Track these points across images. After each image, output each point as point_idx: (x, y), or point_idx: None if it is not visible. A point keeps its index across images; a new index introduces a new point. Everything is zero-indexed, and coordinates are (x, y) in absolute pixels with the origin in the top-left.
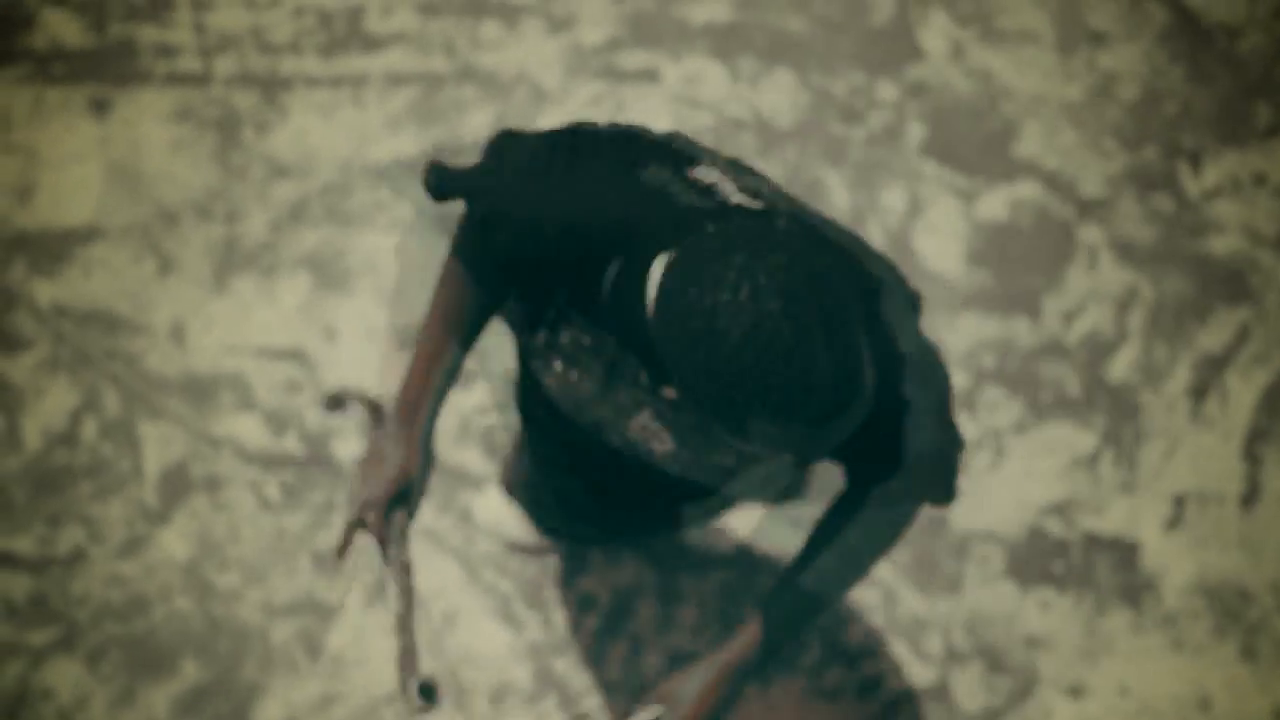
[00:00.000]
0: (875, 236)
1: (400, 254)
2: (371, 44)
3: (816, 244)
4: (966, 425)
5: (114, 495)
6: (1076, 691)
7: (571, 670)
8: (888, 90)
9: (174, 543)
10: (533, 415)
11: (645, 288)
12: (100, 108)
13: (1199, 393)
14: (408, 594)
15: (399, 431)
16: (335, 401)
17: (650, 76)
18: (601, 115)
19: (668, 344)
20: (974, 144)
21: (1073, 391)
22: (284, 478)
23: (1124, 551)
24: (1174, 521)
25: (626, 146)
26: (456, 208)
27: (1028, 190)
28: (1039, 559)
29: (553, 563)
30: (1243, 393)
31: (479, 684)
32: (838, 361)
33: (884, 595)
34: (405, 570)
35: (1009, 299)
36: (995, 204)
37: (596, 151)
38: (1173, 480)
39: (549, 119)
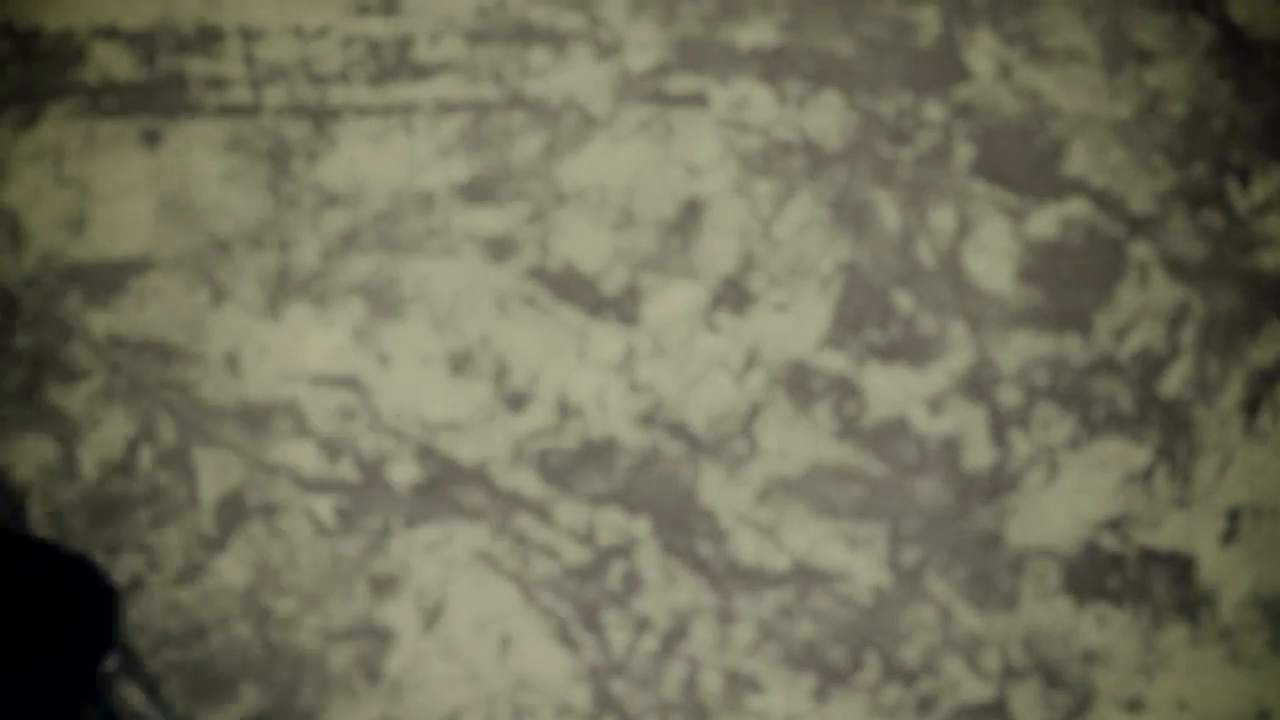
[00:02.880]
0: (925, 256)
1: (452, 279)
2: (420, 72)
3: None
4: (1020, 442)
5: (171, 523)
6: (1134, 706)
7: (630, 692)
8: (935, 111)
9: (231, 569)
10: None
11: None
12: (152, 140)
13: (1252, 407)
14: None
15: None
16: None
17: (698, 100)
18: (650, 139)
19: None
20: (1023, 163)
21: (1125, 407)
22: (339, 503)
23: (1180, 566)
24: (1229, 535)
25: None
26: None
27: (1077, 208)
28: (1095, 574)
29: (610, 585)
30: None
31: (538, 707)
32: None
33: (940, 613)
34: None
35: (1060, 316)
36: (1045, 222)
37: None
38: (1227, 494)
39: (598, 144)
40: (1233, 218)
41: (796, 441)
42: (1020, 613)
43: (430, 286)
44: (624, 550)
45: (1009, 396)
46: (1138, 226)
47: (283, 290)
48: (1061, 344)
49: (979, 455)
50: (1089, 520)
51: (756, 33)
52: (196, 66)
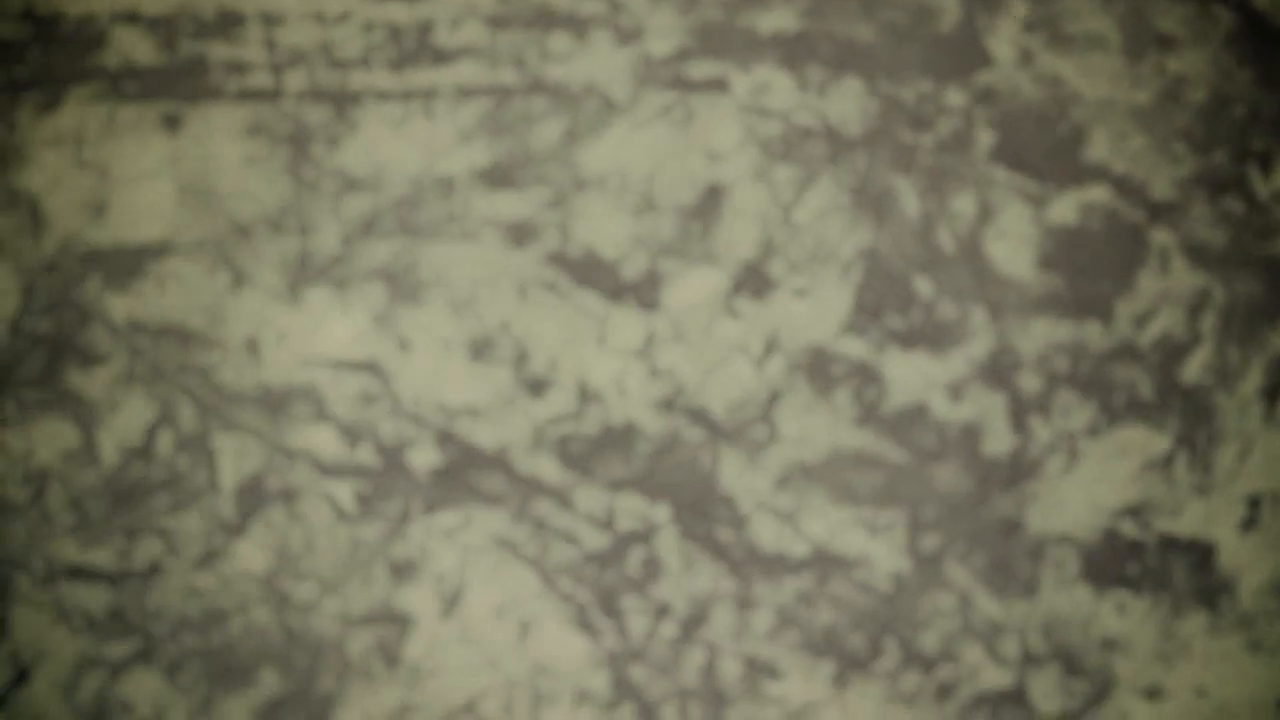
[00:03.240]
0: (946, 243)
1: (472, 264)
2: (441, 57)
3: None
4: (1040, 429)
5: (190, 508)
6: (1153, 694)
7: (648, 678)
8: (956, 97)
9: (250, 554)
10: None
11: None
12: (172, 124)
13: (1272, 394)
14: None
15: None
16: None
17: (719, 86)
18: (671, 125)
19: None
20: (1043, 149)
21: (1146, 394)
22: (359, 488)
23: (1200, 553)
24: (1249, 522)
25: None
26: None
27: (1098, 194)
28: (1114, 562)
29: (630, 570)
30: None
31: (557, 693)
32: None
33: (960, 600)
34: None
35: (1081, 303)
36: (1065, 209)
37: None
38: (1247, 481)
39: (619, 130)
40: (1254, 204)
41: (816, 428)
42: (1040, 600)
43: (450, 271)
44: (644, 536)
45: (1029, 383)
46: (1158, 213)
47: (303, 275)
48: (1082, 330)
49: (999, 442)
50: (1109, 507)
51: (777, 18)
52: (217, 51)
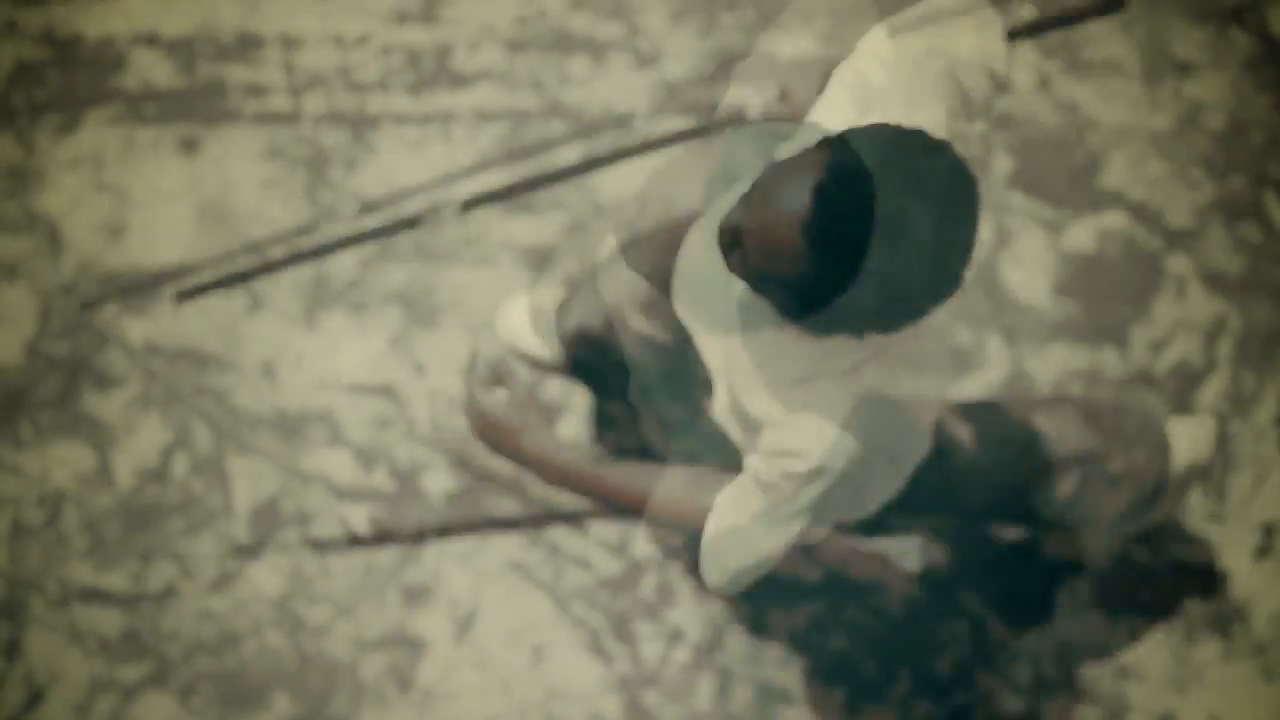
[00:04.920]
0: None
1: (489, 289)
2: (459, 81)
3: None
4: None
5: (205, 531)
6: None
7: (661, 703)
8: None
9: (264, 578)
10: None
11: None
12: (190, 147)
13: None
14: None
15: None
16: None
17: (737, 110)
18: (688, 149)
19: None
20: (1061, 175)
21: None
22: (373, 512)
23: (1213, 581)
24: (1263, 550)
25: None
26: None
27: (1115, 221)
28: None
29: (643, 596)
30: None
31: (570, 717)
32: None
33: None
34: None
35: (1097, 329)
36: (1082, 235)
37: None
38: (1262, 509)
39: (635, 156)
40: (1270, 231)
41: None
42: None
43: (467, 295)
44: (657, 561)
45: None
46: (1175, 239)
47: (319, 299)
48: (1097, 357)
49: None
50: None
51: (796, 42)
52: (236, 74)
